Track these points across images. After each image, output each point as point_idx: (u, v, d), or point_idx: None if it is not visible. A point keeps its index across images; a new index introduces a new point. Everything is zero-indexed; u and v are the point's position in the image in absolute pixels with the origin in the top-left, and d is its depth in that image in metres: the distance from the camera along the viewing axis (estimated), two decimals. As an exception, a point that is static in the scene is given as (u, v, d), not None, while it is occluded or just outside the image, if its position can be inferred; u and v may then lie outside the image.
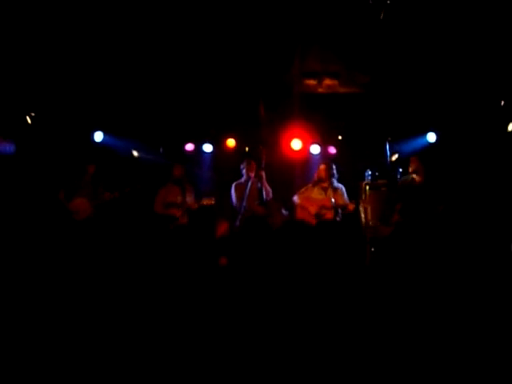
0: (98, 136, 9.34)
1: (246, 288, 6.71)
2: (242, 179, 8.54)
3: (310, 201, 8.24)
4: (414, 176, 7.87)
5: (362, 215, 8.71)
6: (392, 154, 8.78)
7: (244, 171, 8.53)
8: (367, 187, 8.69)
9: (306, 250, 7.82)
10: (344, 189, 8.38)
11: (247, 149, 9.71)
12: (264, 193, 8.30)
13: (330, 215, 8.11)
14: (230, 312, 5.75)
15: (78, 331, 5.12)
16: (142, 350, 4.66)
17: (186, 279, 7.29)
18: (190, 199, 8.39)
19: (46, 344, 4.79)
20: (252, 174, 8.44)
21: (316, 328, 5.24)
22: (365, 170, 8.81)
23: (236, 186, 8.53)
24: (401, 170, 8.48)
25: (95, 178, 8.42)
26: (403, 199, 7.79)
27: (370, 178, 8.73)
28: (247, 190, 8.37)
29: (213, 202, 8.13)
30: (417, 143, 9.35)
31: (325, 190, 8.29)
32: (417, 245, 7.34)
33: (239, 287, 6.76)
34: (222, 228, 8.16)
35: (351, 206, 8.13)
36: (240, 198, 8.38)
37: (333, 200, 8.08)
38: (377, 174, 8.77)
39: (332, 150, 9.77)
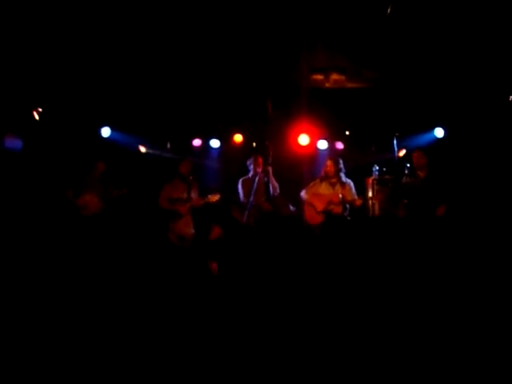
0: (106, 131, 9.36)
1: (253, 281, 6.73)
2: (249, 175, 8.54)
3: (317, 196, 8.22)
4: (418, 172, 7.83)
5: (369, 210, 8.68)
6: (400, 149, 8.75)
7: (251, 167, 8.53)
8: (375, 183, 8.65)
9: (312, 246, 7.84)
10: (352, 184, 8.37)
11: (254, 144, 9.72)
12: (271, 188, 8.29)
13: (337, 210, 8.10)
14: (233, 304, 5.77)
15: (83, 325, 5.14)
16: (145, 345, 4.66)
17: (189, 274, 7.30)
18: (195, 196, 8.37)
19: (51, 335, 4.82)
20: (259, 170, 8.43)
21: (318, 323, 5.24)
22: (372, 166, 8.77)
23: (243, 182, 8.53)
24: (408, 165, 8.44)
25: (105, 175, 8.43)
26: (408, 196, 7.76)
27: (377, 173, 8.69)
28: (254, 186, 8.37)
29: (218, 199, 8.11)
30: (424, 138, 9.33)
31: (333, 185, 8.27)
32: (421, 241, 7.33)
33: (242, 281, 6.78)
34: (215, 232, 8.14)
35: (358, 202, 8.12)
36: (247, 193, 8.37)
37: (340, 195, 8.06)
38: (384, 169, 8.73)
39: (339, 145, 9.76)
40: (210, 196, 8.14)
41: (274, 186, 8.39)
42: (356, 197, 8.21)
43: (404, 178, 8.01)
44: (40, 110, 8.82)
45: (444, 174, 7.78)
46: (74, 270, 7.28)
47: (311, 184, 8.45)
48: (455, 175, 7.87)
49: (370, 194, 8.69)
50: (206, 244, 7.90)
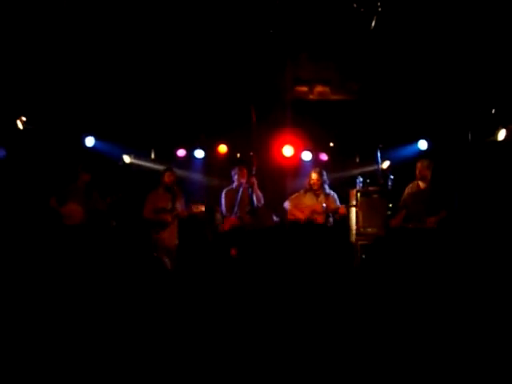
0: (90, 141, 9.33)
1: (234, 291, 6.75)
2: (233, 185, 8.52)
3: (301, 207, 8.24)
4: (420, 182, 7.80)
5: (353, 219, 8.72)
6: (383, 161, 8.79)
7: (235, 177, 8.51)
8: (358, 194, 8.69)
9: (295, 252, 7.88)
10: (336, 196, 8.39)
11: (239, 155, 9.72)
12: (255, 199, 8.28)
13: (320, 220, 8.11)
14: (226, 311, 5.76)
15: (62, 338, 5.08)
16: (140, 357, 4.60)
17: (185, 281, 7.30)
18: (179, 206, 8.34)
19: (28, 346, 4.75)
20: (243, 181, 8.41)
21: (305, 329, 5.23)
22: (356, 177, 8.81)
23: (227, 193, 8.51)
24: (392, 177, 8.48)
25: (89, 186, 8.36)
26: (407, 206, 7.77)
27: (361, 184, 8.73)
28: (238, 197, 8.36)
29: (202, 210, 8.09)
30: (408, 150, 9.38)
31: (316, 196, 8.29)
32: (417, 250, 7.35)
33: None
34: (230, 222, 8.21)
35: (342, 210, 8.14)
36: (230, 204, 8.36)
37: (324, 205, 8.08)
38: (368, 181, 8.77)
39: (323, 156, 9.79)
40: (194, 206, 8.11)
41: (259, 197, 8.37)
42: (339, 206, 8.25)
43: (406, 189, 7.95)
44: (24, 118, 8.78)
45: (440, 186, 7.77)
46: (55, 279, 7.24)
47: (295, 195, 8.47)
48: (440, 187, 7.90)
49: (355, 204, 8.71)
50: (223, 234, 8.01)
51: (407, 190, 7.85)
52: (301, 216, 8.15)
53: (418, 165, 7.69)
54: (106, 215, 8.38)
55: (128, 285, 7.16)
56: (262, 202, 8.42)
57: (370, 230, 8.53)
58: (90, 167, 8.40)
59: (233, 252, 7.81)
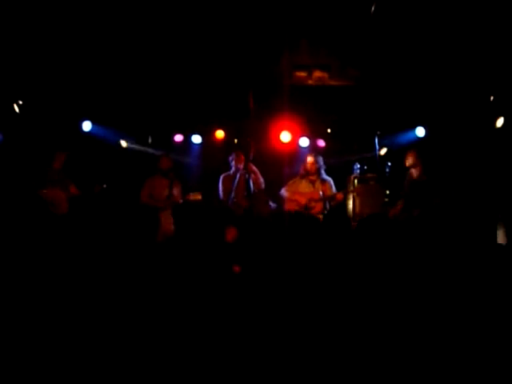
0: (87, 126, 9.29)
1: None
2: (231, 171, 8.52)
3: (298, 194, 8.23)
4: (412, 171, 7.81)
5: (350, 205, 8.70)
6: (381, 147, 8.78)
7: (232, 163, 8.51)
8: (355, 180, 8.68)
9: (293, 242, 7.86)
10: (332, 182, 8.38)
11: (236, 140, 9.70)
12: (251, 185, 8.28)
13: (318, 208, 8.11)
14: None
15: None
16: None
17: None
18: (176, 193, 8.32)
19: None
20: (240, 166, 8.40)
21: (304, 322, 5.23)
22: (353, 164, 8.79)
23: (224, 178, 8.51)
24: (389, 163, 8.46)
25: (66, 167, 8.12)
26: (405, 195, 7.77)
27: (358, 171, 8.72)
28: (235, 183, 8.35)
29: (199, 198, 8.05)
30: (406, 137, 9.36)
31: (313, 182, 8.28)
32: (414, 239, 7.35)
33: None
34: (232, 233, 8.17)
35: (340, 196, 8.13)
36: (227, 190, 8.36)
37: (321, 192, 8.08)
38: (365, 167, 8.76)
39: (321, 142, 9.77)
40: (191, 194, 8.08)
41: (259, 182, 8.36)
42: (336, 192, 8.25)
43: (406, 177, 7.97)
44: (20, 102, 8.75)
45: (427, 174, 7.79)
46: (49, 268, 7.21)
47: (291, 181, 8.46)
48: (437, 175, 7.90)
49: (352, 189, 8.71)
50: (225, 247, 7.97)
51: (405, 179, 7.90)
52: (301, 200, 8.13)
53: (407, 156, 7.78)
54: (86, 202, 8.20)
55: (124, 273, 7.16)
56: (263, 186, 8.41)
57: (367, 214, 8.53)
58: (67, 146, 8.22)
59: (236, 269, 7.77)
